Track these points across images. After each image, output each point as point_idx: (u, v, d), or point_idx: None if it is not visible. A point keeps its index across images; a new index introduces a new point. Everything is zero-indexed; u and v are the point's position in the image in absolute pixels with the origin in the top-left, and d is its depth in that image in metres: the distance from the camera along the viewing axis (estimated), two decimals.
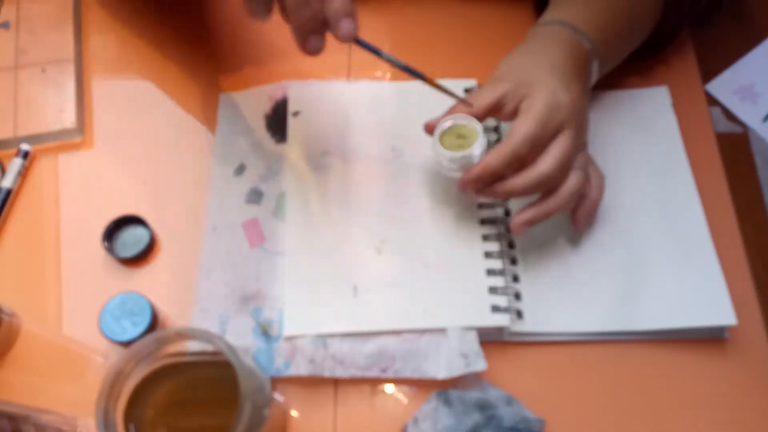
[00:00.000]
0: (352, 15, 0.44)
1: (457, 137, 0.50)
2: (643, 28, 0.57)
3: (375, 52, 0.49)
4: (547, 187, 0.48)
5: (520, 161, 0.47)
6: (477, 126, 0.49)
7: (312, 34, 0.45)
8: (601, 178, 0.52)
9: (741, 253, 0.54)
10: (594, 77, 0.53)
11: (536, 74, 0.49)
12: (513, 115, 0.49)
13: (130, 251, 0.56)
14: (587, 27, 0.51)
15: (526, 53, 0.51)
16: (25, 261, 0.57)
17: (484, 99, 0.49)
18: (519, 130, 0.47)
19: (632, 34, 0.57)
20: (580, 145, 0.49)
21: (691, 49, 0.63)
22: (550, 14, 0.54)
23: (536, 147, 0.47)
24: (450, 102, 0.51)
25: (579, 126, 0.49)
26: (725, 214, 0.56)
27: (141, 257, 0.56)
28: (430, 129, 0.51)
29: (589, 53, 0.51)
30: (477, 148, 0.49)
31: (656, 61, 0.62)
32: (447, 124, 0.50)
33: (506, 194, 0.48)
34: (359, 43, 0.47)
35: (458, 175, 0.50)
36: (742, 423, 0.49)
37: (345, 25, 0.44)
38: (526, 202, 0.50)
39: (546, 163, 0.47)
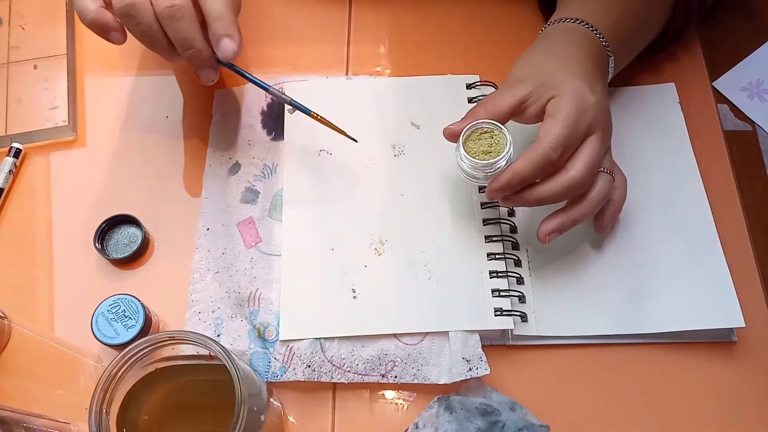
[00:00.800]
0: (232, 36, 0.48)
1: (481, 141, 0.48)
2: (654, 26, 0.57)
3: (263, 87, 0.53)
4: (578, 192, 0.47)
5: (551, 167, 0.46)
6: (504, 131, 0.47)
7: (203, 68, 0.50)
8: (624, 180, 0.51)
9: (749, 254, 0.54)
10: (609, 77, 0.53)
11: (560, 74, 0.47)
12: (537, 117, 0.48)
13: (123, 252, 0.55)
14: (602, 25, 0.51)
15: (545, 52, 0.50)
16: (16, 262, 0.57)
17: (505, 100, 0.48)
18: (549, 134, 0.45)
19: (644, 32, 0.56)
20: (606, 147, 0.48)
21: (698, 46, 0.63)
22: (563, 11, 0.53)
23: (566, 151, 0.46)
24: (459, 101, 0.50)
25: (605, 128, 0.48)
26: (733, 213, 0.55)
27: (134, 258, 0.55)
28: (452, 135, 0.49)
29: (607, 51, 0.50)
30: (504, 156, 0.47)
31: (663, 58, 0.61)
32: (470, 129, 0.48)
33: (536, 201, 0.47)
34: (232, 68, 0.52)
35: (481, 182, 0.49)
36: (749, 425, 0.49)
37: (225, 45, 0.48)
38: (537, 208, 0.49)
39: (577, 168, 0.46)
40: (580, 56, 0.49)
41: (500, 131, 0.48)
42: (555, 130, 0.45)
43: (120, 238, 0.56)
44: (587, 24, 0.50)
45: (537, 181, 0.47)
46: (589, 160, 0.46)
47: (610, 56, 0.51)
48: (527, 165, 0.45)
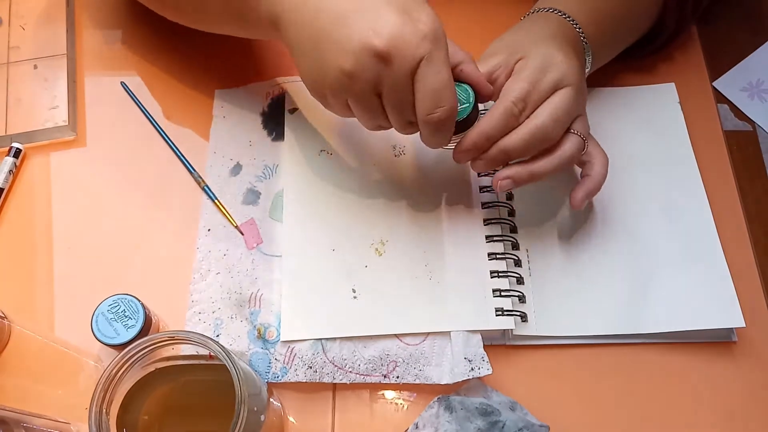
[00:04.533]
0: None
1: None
2: (639, 24, 0.56)
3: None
4: (543, 144, 0.46)
5: (514, 121, 0.45)
6: (465, 87, 0.46)
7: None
8: (605, 158, 0.50)
9: (749, 254, 0.54)
10: (588, 67, 0.52)
11: (530, 45, 0.47)
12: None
13: None
14: (581, 17, 0.51)
15: (519, 30, 0.50)
16: (16, 261, 0.57)
17: (474, 74, 0.46)
18: (510, 89, 0.45)
19: (627, 29, 0.56)
20: (578, 107, 0.47)
21: (698, 46, 0.63)
22: (541, 2, 0.53)
23: (529, 106, 0.45)
24: None
25: (577, 87, 0.46)
26: (733, 213, 0.55)
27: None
28: None
29: (582, 40, 0.51)
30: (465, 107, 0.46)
31: (663, 58, 0.61)
32: None
33: (502, 154, 0.46)
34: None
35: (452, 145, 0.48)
36: (750, 425, 0.48)
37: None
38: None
39: (541, 115, 0.45)
40: (556, 37, 0.49)
41: (459, 86, 0.46)
42: (517, 85, 0.45)
43: None
44: (565, 15, 0.50)
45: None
46: (555, 110, 0.45)
47: (587, 47, 0.51)
48: (490, 122, 0.45)
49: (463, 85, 0.46)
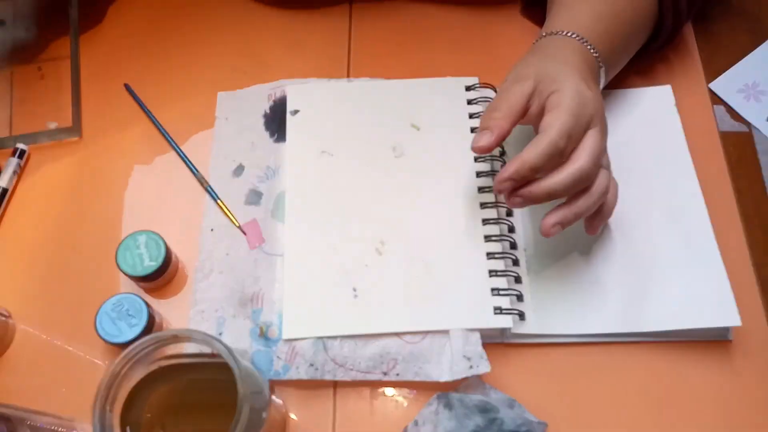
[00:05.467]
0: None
1: None
2: (643, 31, 0.57)
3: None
4: (584, 184, 0.47)
5: (559, 156, 0.46)
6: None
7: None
8: (616, 185, 0.51)
9: (745, 254, 0.54)
10: (601, 85, 0.53)
11: (558, 73, 0.48)
12: (538, 116, 0.48)
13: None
14: (593, 36, 0.51)
15: (541, 55, 0.51)
16: (20, 261, 0.57)
17: (517, 99, 0.47)
18: (554, 124, 0.45)
19: (635, 39, 0.56)
20: (605, 143, 0.48)
21: (694, 48, 0.63)
22: (553, 24, 0.53)
23: (572, 140, 0.46)
24: (459, 103, 0.49)
25: (603, 125, 0.48)
26: (729, 213, 0.55)
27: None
28: (483, 151, 0.48)
29: (597, 61, 0.51)
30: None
31: (659, 60, 0.62)
32: None
33: (546, 194, 0.46)
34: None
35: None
36: (745, 424, 0.49)
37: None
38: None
39: (583, 158, 0.45)
40: (575, 60, 0.49)
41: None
42: (561, 119, 0.45)
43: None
44: (577, 36, 0.51)
45: (539, 176, 0.46)
46: (594, 151, 0.46)
47: (601, 67, 0.52)
48: (535, 154, 0.45)
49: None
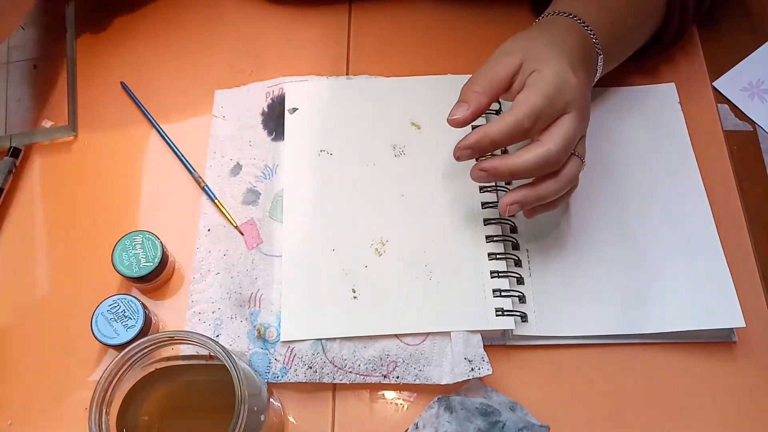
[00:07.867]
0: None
1: None
2: (647, 28, 0.56)
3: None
4: (550, 168, 0.46)
5: (521, 134, 0.46)
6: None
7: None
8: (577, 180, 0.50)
9: (750, 254, 0.54)
10: (597, 74, 0.52)
11: (546, 51, 0.47)
12: (520, 90, 0.47)
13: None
14: (595, 22, 0.51)
15: (537, 33, 0.50)
16: (15, 261, 0.57)
17: (500, 74, 0.47)
18: (524, 103, 0.45)
19: (637, 34, 0.56)
20: (582, 131, 0.48)
21: (698, 46, 0.63)
22: (558, 6, 0.53)
23: (539, 122, 0.45)
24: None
25: (583, 112, 0.47)
26: (733, 213, 0.55)
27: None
28: (459, 125, 0.48)
29: (596, 48, 0.50)
30: None
31: (664, 58, 0.61)
32: None
33: (509, 172, 0.46)
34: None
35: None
36: (750, 425, 0.48)
37: None
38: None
39: (552, 141, 0.45)
40: (569, 42, 0.49)
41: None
42: (531, 99, 0.45)
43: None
44: (580, 20, 0.50)
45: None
46: (565, 136, 0.45)
47: (600, 54, 0.51)
48: (498, 128, 0.45)
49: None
